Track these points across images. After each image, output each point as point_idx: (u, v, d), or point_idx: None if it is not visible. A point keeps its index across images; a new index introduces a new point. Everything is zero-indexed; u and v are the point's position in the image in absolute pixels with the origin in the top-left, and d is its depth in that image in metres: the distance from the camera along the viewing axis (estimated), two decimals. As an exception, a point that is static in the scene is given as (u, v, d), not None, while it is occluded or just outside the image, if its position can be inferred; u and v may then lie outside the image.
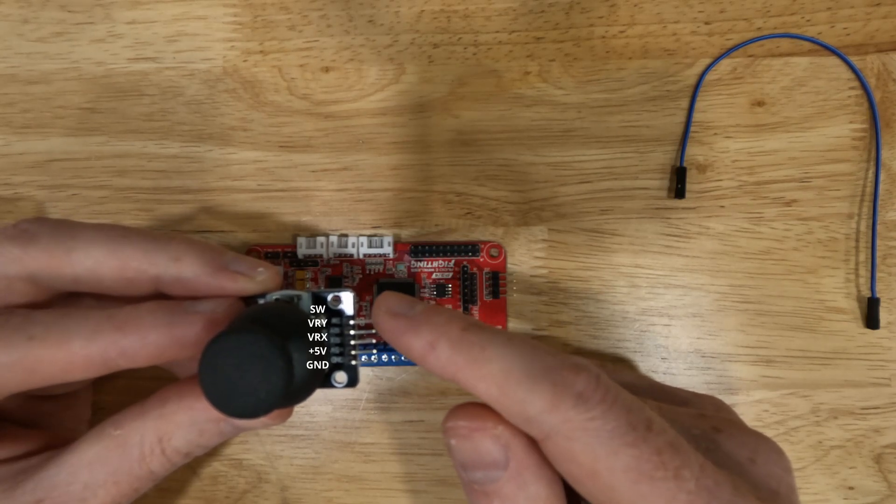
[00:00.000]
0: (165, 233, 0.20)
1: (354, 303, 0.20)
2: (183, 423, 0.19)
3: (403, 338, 0.16)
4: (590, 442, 0.14)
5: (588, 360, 0.16)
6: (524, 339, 0.16)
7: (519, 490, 0.16)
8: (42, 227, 0.19)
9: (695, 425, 0.17)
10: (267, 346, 0.16)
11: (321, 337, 0.18)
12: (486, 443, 0.16)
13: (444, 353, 0.16)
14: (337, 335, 0.19)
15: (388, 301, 0.17)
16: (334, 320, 0.19)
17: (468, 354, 0.15)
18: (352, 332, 0.20)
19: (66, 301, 0.20)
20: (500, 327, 0.16)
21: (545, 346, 0.16)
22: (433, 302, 0.26)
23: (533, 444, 0.16)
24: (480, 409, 0.16)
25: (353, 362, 0.20)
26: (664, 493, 0.14)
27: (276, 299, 0.19)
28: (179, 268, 0.19)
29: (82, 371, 0.18)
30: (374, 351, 0.25)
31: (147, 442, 0.19)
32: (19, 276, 0.19)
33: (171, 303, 0.18)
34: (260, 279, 0.19)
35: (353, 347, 0.20)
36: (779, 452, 0.17)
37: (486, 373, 0.15)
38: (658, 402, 0.18)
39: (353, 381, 0.20)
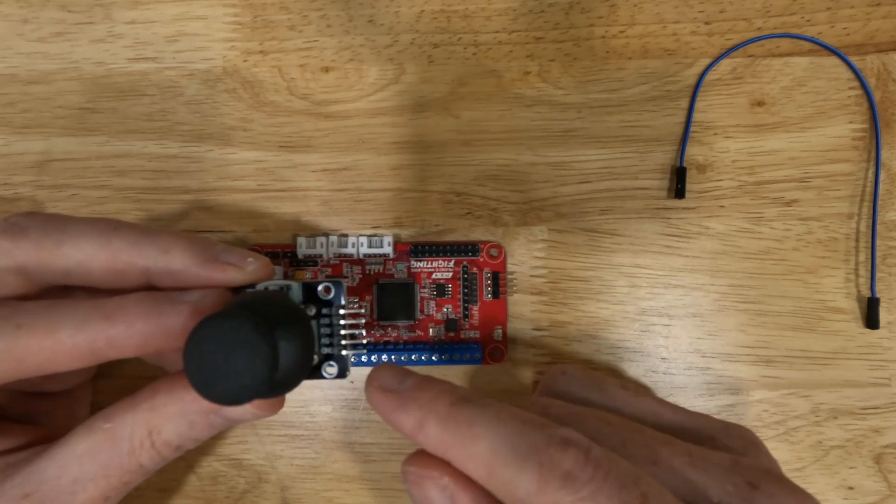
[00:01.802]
0: (156, 227, 0.20)
1: (345, 293, 0.19)
2: (173, 415, 0.19)
3: (394, 415, 0.16)
4: None
5: (577, 433, 0.15)
6: (513, 413, 0.16)
7: None
8: (32, 220, 0.19)
9: (728, 479, 0.16)
10: (252, 332, 0.16)
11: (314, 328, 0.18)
12: (433, 492, 0.16)
13: (433, 432, 0.16)
14: (327, 325, 0.19)
15: (379, 376, 0.17)
16: (324, 311, 0.19)
17: (456, 432, 0.15)
18: (342, 323, 0.19)
19: (57, 294, 0.20)
20: (487, 399, 0.16)
21: (534, 419, 0.15)
22: (434, 303, 0.26)
23: (482, 495, 0.16)
24: (430, 457, 0.16)
25: (344, 353, 0.20)
26: None
27: (266, 288, 0.19)
28: (168, 260, 0.19)
29: (69, 360, 0.18)
30: (365, 351, 0.25)
31: (137, 435, 0.19)
32: (9, 269, 0.19)
33: (159, 293, 0.18)
34: (250, 269, 0.19)
35: (343, 338, 0.19)
36: None
37: (475, 453, 0.15)
38: (688, 445, 0.17)
39: (343, 373, 0.20)
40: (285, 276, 0.26)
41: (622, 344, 0.26)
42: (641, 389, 0.25)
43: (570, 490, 0.14)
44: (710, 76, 0.26)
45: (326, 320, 0.19)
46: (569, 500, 0.14)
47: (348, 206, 0.26)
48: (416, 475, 0.16)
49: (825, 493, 0.26)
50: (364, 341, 0.25)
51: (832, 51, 0.26)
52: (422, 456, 0.16)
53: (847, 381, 0.26)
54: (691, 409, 0.21)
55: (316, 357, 0.19)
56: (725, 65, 0.27)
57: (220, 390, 0.16)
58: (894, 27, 0.27)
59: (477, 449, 0.15)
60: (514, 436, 0.15)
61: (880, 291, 0.26)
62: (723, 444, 0.18)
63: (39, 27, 0.27)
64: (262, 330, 0.16)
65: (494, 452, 0.15)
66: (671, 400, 0.25)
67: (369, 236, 0.26)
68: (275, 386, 0.17)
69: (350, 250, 0.25)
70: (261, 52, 0.27)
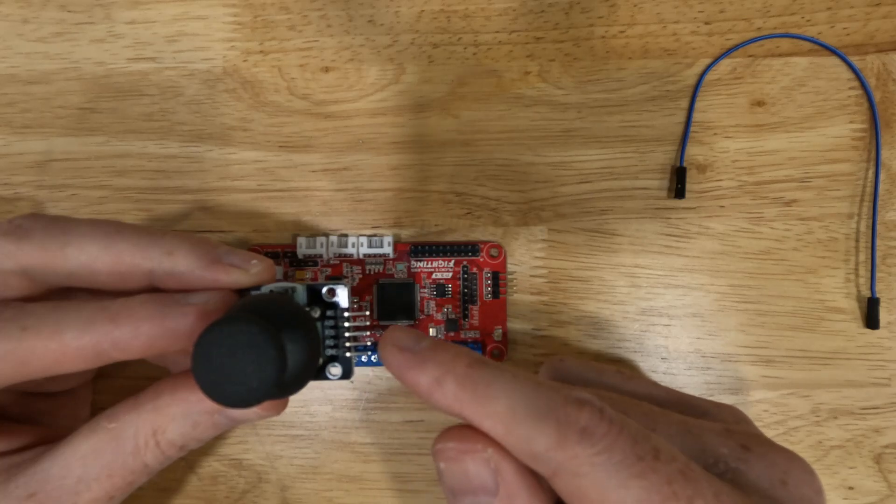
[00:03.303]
0: (160, 228, 0.20)
1: (348, 296, 0.20)
2: (177, 415, 0.19)
3: (410, 373, 0.16)
4: (598, 476, 0.14)
5: (590, 393, 0.16)
6: (528, 376, 0.16)
7: None
8: (36, 222, 0.19)
9: (722, 443, 0.17)
10: (260, 335, 0.16)
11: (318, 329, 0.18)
12: (475, 466, 0.16)
13: (450, 389, 0.16)
14: (331, 327, 0.19)
15: (394, 335, 0.17)
16: (329, 313, 0.20)
17: (474, 391, 0.15)
18: (346, 325, 0.20)
19: (60, 295, 0.20)
20: (504, 364, 0.16)
21: (549, 382, 0.16)
22: (434, 303, 0.26)
23: (524, 467, 0.16)
24: (471, 431, 0.16)
25: (348, 354, 0.20)
26: None
27: (271, 290, 0.19)
28: (173, 261, 0.19)
29: (74, 362, 0.18)
30: (368, 353, 0.25)
31: (141, 435, 0.19)
32: (13, 271, 0.19)
33: (164, 295, 0.19)
34: (254, 272, 0.19)
35: (347, 340, 0.20)
36: (810, 473, 0.17)
37: (492, 410, 0.15)
38: (683, 416, 0.18)
39: (347, 374, 0.20)
40: (285, 277, 0.26)
41: (622, 344, 0.26)
42: (637, 374, 0.25)
43: (587, 444, 0.14)
44: (710, 76, 0.26)
45: (331, 322, 0.20)
46: (587, 453, 0.14)
47: (348, 206, 0.26)
48: (456, 451, 0.16)
49: (825, 493, 0.26)
50: (367, 343, 0.25)
51: (832, 51, 0.26)
52: (461, 430, 0.16)
53: (847, 381, 0.26)
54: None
55: (320, 359, 0.20)
56: (725, 65, 0.27)
57: (229, 393, 0.16)
58: (894, 27, 0.27)
59: (495, 407, 0.15)
60: (531, 395, 0.15)
61: (880, 291, 0.26)
62: (714, 419, 0.19)
63: (39, 27, 0.27)
64: (271, 333, 0.16)
65: (513, 410, 0.15)
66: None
67: (369, 236, 0.26)
68: (282, 388, 0.17)
69: (350, 250, 0.25)
70: (261, 52, 0.27)
